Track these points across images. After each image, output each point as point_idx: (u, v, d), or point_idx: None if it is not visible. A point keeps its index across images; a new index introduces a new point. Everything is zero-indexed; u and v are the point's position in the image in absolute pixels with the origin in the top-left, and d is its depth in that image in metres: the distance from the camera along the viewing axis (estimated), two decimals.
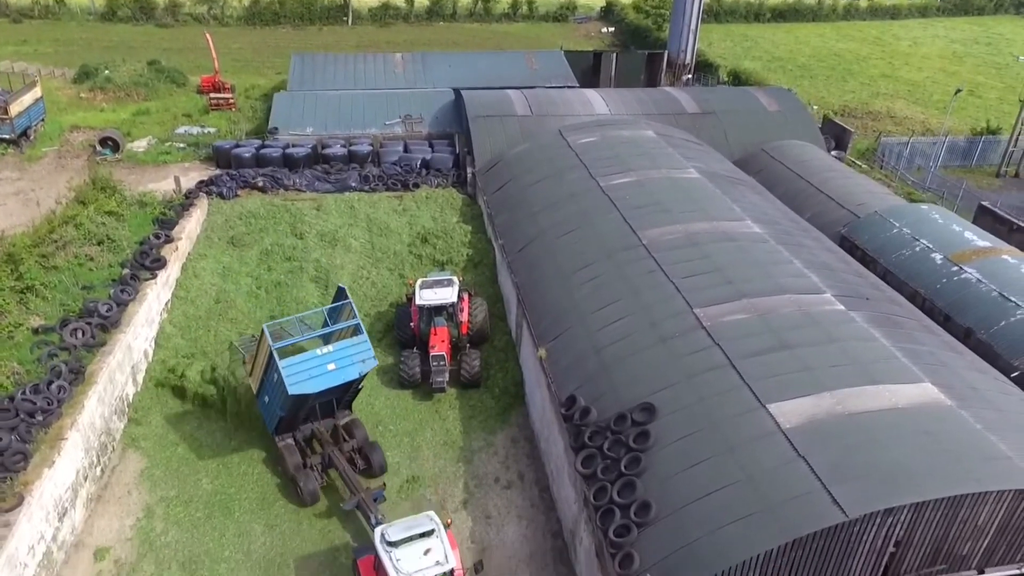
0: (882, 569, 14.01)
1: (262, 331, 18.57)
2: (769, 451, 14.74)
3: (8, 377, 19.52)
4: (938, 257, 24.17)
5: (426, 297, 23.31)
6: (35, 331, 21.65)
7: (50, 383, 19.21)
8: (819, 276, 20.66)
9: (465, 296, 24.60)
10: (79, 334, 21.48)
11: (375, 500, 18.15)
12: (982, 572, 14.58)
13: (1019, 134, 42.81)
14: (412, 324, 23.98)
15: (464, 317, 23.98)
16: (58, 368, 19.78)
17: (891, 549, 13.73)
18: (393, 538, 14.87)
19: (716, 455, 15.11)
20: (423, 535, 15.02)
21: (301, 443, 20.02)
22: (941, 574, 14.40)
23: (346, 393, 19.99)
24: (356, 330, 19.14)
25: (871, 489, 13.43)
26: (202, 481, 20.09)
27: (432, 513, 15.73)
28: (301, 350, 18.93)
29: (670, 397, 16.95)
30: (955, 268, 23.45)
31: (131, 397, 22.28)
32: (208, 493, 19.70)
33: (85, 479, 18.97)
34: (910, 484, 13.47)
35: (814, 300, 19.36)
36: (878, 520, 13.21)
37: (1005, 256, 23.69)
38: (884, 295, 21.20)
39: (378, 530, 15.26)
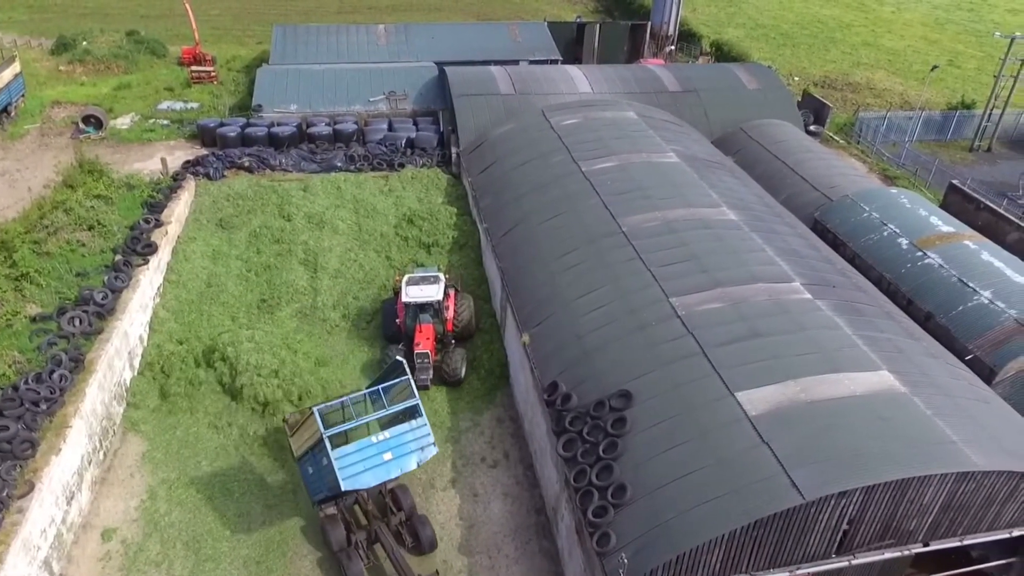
0: (837, 544, 15.32)
1: (311, 412, 17.54)
2: (736, 437, 15.86)
3: (10, 366, 20.16)
4: (904, 242, 25.27)
5: (412, 294, 23.53)
6: (33, 319, 22.24)
7: (52, 372, 19.91)
8: (789, 264, 21.67)
9: (451, 293, 24.91)
10: (76, 322, 22.12)
11: None
12: (927, 545, 15.95)
13: (992, 108, 43.79)
14: (398, 320, 24.33)
15: (450, 314, 24.35)
16: (58, 357, 20.48)
17: (845, 527, 15.02)
18: None
19: (688, 441, 16.23)
20: None
21: (345, 514, 18.67)
22: (890, 548, 15.75)
23: None
24: (414, 411, 17.79)
25: (827, 473, 14.61)
26: (202, 463, 21.03)
27: None
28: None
29: (646, 384, 18.01)
30: (919, 253, 24.58)
31: (128, 382, 23.05)
32: (208, 475, 20.66)
33: (89, 463, 19.86)
34: (863, 468, 14.66)
35: (783, 289, 20.39)
36: (832, 502, 14.44)
37: (967, 242, 24.84)
38: (850, 281, 22.27)
39: None
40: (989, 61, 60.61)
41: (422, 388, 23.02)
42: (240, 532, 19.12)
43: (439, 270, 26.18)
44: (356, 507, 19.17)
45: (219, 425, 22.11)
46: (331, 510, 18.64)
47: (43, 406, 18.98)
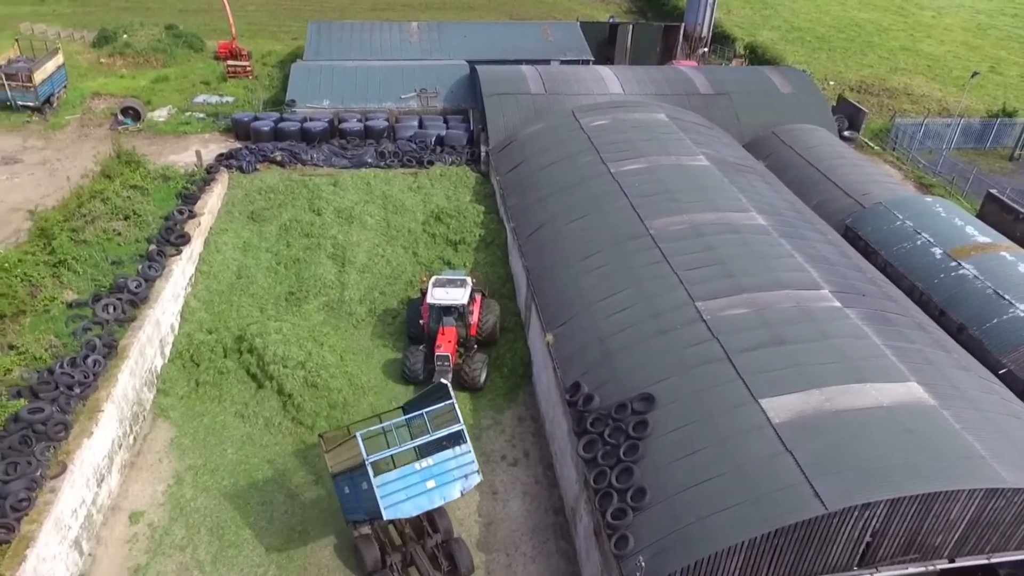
0: (859, 557, 15.12)
1: (351, 435, 17.18)
2: (759, 444, 15.73)
3: (47, 350, 20.72)
4: (938, 251, 24.80)
5: (437, 296, 23.50)
6: (69, 305, 22.82)
7: (86, 357, 20.42)
8: (818, 271, 21.40)
9: (478, 297, 24.79)
10: (111, 309, 22.63)
11: None
12: (953, 561, 15.67)
13: None
14: (422, 321, 24.30)
15: (474, 319, 24.26)
16: (93, 342, 20.99)
17: (867, 539, 14.80)
18: None
19: (709, 446, 16.14)
20: None
21: (380, 534, 18.47)
22: (914, 562, 15.50)
23: None
24: (458, 437, 17.10)
25: (851, 484, 14.42)
26: (227, 451, 21.40)
27: None
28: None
29: (669, 388, 17.92)
30: (953, 263, 24.10)
31: (159, 369, 23.55)
32: (233, 462, 21.01)
33: (120, 447, 20.33)
34: (888, 480, 14.44)
35: (811, 296, 20.15)
36: (856, 513, 14.24)
37: (1003, 253, 24.29)
38: (880, 290, 21.92)
39: None
40: None
41: None
42: (263, 520, 19.42)
43: (467, 274, 26.20)
44: (391, 527, 19.00)
45: (245, 414, 22.45)
46: (365, 530, 18.38)
47: (77, 390, 19.45)
